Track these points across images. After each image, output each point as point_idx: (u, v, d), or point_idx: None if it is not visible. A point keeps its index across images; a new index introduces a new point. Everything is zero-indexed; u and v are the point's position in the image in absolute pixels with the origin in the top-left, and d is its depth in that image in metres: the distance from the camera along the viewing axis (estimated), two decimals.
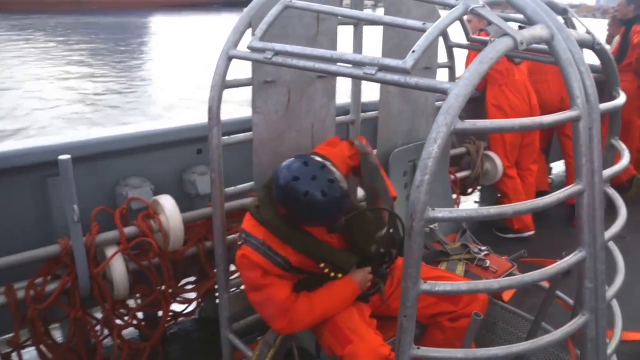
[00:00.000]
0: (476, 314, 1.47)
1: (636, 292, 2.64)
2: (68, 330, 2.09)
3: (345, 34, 2.35)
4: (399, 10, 2.26)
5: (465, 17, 2.54)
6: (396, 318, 1.25)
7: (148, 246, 2.10)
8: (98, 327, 2.14)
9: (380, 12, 1.97)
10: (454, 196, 3.27)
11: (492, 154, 3.57)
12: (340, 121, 2.31)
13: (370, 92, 2.65)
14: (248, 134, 1.99)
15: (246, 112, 2.26)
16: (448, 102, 1.17)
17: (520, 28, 1.35)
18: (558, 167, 5.10)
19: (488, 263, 2.30)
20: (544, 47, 1.45)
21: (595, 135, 1.40)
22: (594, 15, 50.29)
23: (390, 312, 1.83)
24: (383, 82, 1.32)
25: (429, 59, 2.55)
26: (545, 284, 2.17)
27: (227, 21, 10.44)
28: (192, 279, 2.46)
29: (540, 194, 3.85)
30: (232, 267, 2.50)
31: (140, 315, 2.36)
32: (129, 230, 2.08)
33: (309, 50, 1.47)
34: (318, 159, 1.62)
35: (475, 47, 2.43)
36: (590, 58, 1.54)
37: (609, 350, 1.51)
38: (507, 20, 1.79)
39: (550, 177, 4.83)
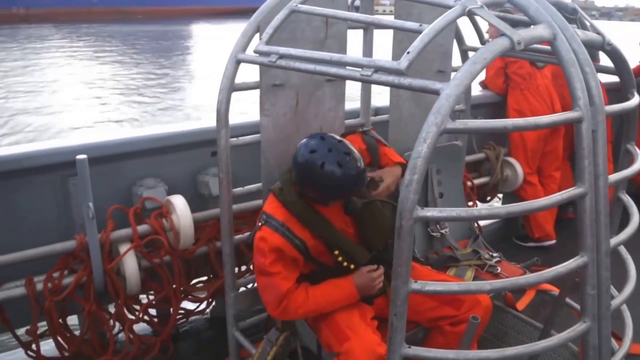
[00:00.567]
0: (473, 317, 1.45)
1: None
2: (83, 322, 2.19)
3: (358, 38, 2.38)
4: (410, 13, 2.25)
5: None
6: None
7: (160, 244, 2.18)
8: (111, 321, 2.22)
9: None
10: (470, 203, 3.21)
11: (512, 160, 3.49)
12: (349, 124, 2.32)
13: (386, 97, 2.65)
14: (256, 136, 2.03)
15: None
16: (439, 102, 1.18)
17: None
18: None
19: (499, 269, 2.25)
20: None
21: (600, 138, 1.36)
22: None
23: None
24: (378, 83, 1.34)
25: (442, 62, 2.53)
26: (556, 292, 2.11)
27: None
28: (204, 278, 2.52)
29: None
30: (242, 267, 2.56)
31: (153, 312, 2.43)
32: (142, 228, 2.16)
33: (309, 53, 1.51)
34: (334, 135, 1.69)
35: None
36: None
37: None
38: (514, 21, 1.77)
39: None
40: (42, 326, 2.14)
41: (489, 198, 3.61)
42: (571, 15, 1.61)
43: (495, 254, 2.35)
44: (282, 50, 1.57)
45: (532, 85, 3.49)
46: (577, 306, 2.07)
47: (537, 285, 1.74)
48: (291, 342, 1.92)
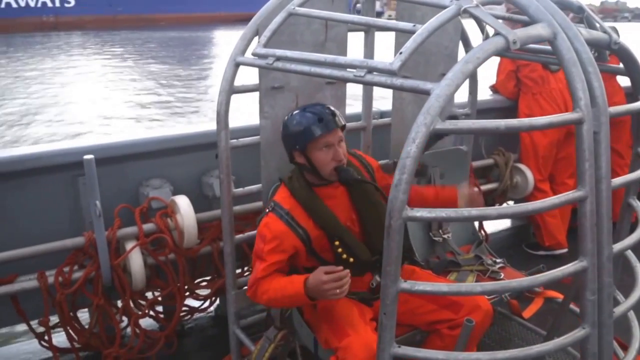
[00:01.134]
0: (468, 319, 1.44)
1: None
2: (92, 315, 2.27)
3: (359, 40, 2.38)
4: (413, 15, 2.25)
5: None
6: (399, 322, 1.25)
7: (164, 242, 2.23)
8: (118, 315, 2.29)
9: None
10: None
11: (522, 166, 3.43)
12: (351, 127, 2.33)
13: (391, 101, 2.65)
14: (256, 137, 2.07)
15: None
16: (428, 102, 1.18)
17: None
18: None
19: (502, 275, 2.22)
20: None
21: (603, 140, 1.32)
22: None
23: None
24: (371, 84, 1.35)
25: (447, 65, 2.52)
26: (559, 298, 2.06)
27: None
28: (209, 277, 2.56)
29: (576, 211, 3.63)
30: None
31: (160, 308, 2.50)
32: (147, 226, 2.22)
33: (305, 55, 1.53)
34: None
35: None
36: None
37: None
38: (517, 21, 1.75)
39: None
40: (55, 319, 2.23)
41: (497, 205, 3.56)
42: (577, 14, 1.58)
43: (498, 260, 2.32)
44: (279, 52, 1.59)
45: (544, 89, 3.43)
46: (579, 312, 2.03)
47: (530, 288, 1.69)
48: (290, 341, 1.95)
